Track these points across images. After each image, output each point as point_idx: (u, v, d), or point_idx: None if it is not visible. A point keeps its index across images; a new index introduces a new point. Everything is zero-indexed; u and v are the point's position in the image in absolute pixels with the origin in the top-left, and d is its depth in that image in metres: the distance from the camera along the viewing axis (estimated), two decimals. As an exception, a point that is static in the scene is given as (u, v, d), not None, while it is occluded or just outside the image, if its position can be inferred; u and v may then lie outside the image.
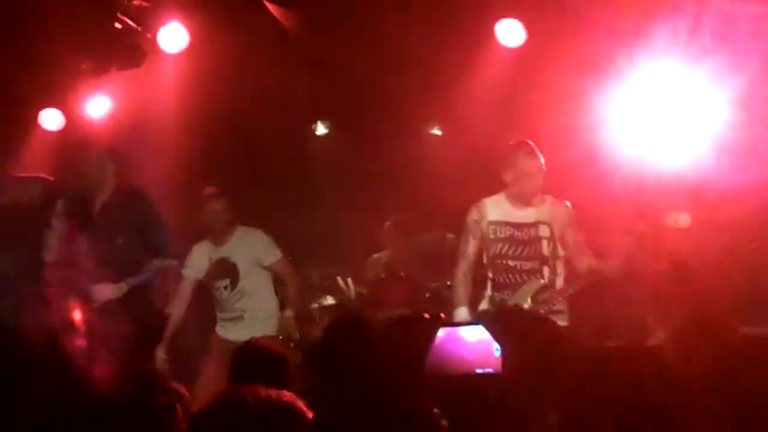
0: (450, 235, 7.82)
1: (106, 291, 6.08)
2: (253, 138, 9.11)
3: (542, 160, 5.99)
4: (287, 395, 2.80)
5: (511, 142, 6.08)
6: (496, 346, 3.16)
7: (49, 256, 5.95)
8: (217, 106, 8.47)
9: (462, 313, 5.90)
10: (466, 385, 3.14)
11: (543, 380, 3.01)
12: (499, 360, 3.13)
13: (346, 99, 8.93)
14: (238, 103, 8.59)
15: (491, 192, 6.20)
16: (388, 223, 8.95)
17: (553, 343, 3.18)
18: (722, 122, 8.06)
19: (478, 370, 3.23)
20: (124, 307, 6.04)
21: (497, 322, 3.24)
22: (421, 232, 8.88)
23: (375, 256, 9.01)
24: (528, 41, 7.65)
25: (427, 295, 8.36)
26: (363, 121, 9.17)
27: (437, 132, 9.63)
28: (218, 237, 7.20)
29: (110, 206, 6.29)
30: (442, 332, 3.27)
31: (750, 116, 7.77)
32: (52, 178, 7.19)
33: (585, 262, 5.93)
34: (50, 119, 7.96)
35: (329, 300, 8.72)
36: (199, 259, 7.23)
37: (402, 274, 8.58)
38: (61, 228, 5.99)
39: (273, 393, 2.79)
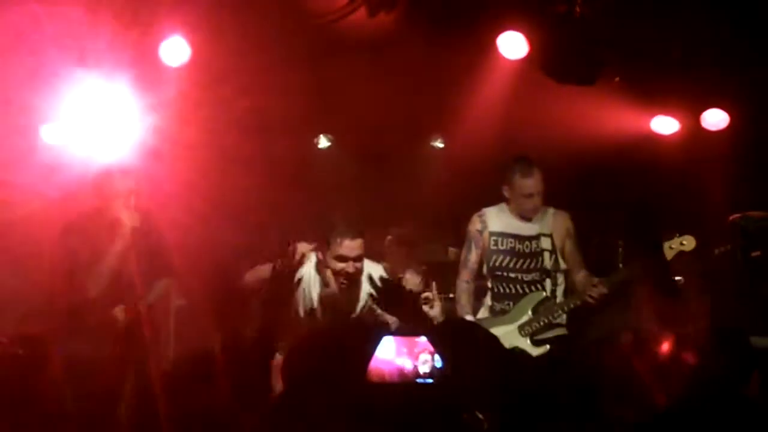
0: (452, 249, 7.81)
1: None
2: (255, 151, 9.10)
3: (540, 177, 5.95)
4: None
5: (509, 158, 6.07)
6: (437, 356, 3.20)
7: None
8: (218, 120, 8.48)
9: None
10: (406, 393, 3.18)
11: (482, 389, 3.04)
12: (440, 370, 3.17)
13: (348, 112, 8.94)
14: (239, 117, 8.59)
15: (493, 204, 6.20)
16: (389, 238, 8.94)
17: (493, 354, 3.20)
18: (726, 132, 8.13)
19: (419, 380, 3.28)
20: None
21: (441, 334, 3.27)
22: (424, 245, 8.88)
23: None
24: (530, 53, 7.67)
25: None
26: (365, 133, 9.17)
27: (439, 144, 9.63)
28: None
29: (136, 232, 6.32)
30: (385, 341, 3.30)
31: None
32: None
33: (582, 277, 5.93)
34: (52, 133, 7.94)
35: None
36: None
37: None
38: None
39: None
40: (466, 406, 3.05)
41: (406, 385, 3.30)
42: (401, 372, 3.37)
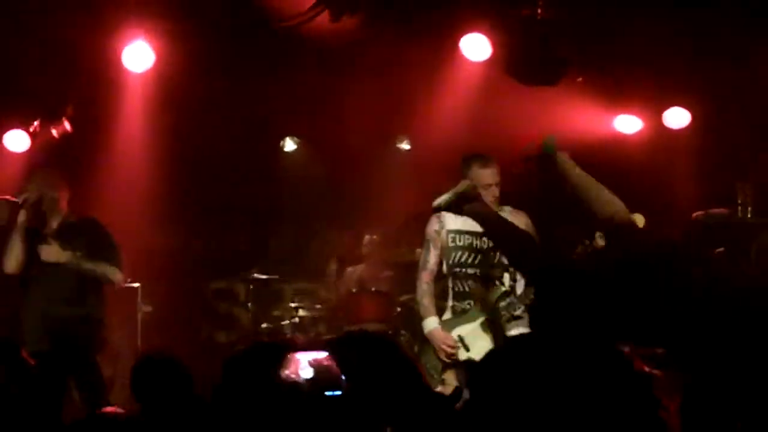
0: (419, 250, 7.85)
1: (52, 252, 6.08)
2: (222, 155, 9.10)
3: (497, 169, 5.98)
4: None
5: (466, 154, 6.10)
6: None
7: None
8: (184, 124, 8.47)
9: (431, 323, 5.91)
10: (317, 406, 3.18)
11: (383, 400, 3.04)
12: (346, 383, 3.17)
13: (314, 114, 8.95)
14: (205, 121, 8.59)
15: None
16: (366, 238, 8.96)
17: (391, 363, 3.20)
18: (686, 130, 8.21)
19: (327, 393, 3.28)
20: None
21: (338, 347, 3.27)
22: (392, 246, 8.92)
23: (349, 269, 9.02)
24: (494, 55, 7.71)
25: (398, 309, 8.40)
26: (331, 136, 9.19)
27: (406, 146, 9.66)
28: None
29: (66, 227, 6.25)
30: (295, 357, 3.31)
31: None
32: (17, 200, 7.13)
33: None
34: (15, 141, 7.89)
35: (302, 313, 8.73)
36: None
37: (373, 288, 8.60)
38: None
39: None
40: (373, 419, 3.04)
41: (314, 398, 3.31)
42: (308, 385, 3.40)
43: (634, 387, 2.33)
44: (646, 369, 2.44)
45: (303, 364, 3.45)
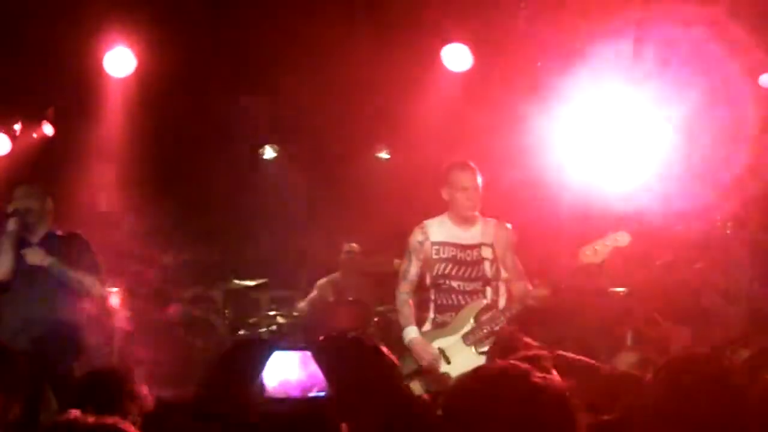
0: (397, 261, 7.86)
1: (37, 255, 6.12)
2: (201, 162, 9.09)
3: (479, 177, 5.98)
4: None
5: (447, 162, 6.10)
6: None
7: None
8: (164, 130, 8.46)
9: (411, 332, 5.89)
10: (300, 407, 3.18)
11: (362, 401, 3.05)
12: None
13: (293, 123, 8.96)
14: (185, 127, 8.58)
15: (438, 215, 6.22)
16: (352, 245, 8.96)
17: (370, 366, 3.20)
18: (666, 146, 8.25)
19: (311, 394, 3.29)
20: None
21: (320, 348, 3.27)
22: (370, 256, 8.92)
23: (324, 279, 9.00)
24: (474, 65, 7.74)
25: (376, 318, 8.40)
26: (310, 144, 9.20)
27: (385, 156, 9.68)
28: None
29: (51, 238, 6.28)
30: (278, 356, 3.31)
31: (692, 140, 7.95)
32: (6, 210, 7.12)
33: (520, 287, 5.94)
34: (-3, 143, 7.88)
35: (279, 320, 8.72)
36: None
37: (350, 298, 8.60)
38: None
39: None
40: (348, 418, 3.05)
41: (296, 398, 3.31)
42: (292, 385, 3.41)
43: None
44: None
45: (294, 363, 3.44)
